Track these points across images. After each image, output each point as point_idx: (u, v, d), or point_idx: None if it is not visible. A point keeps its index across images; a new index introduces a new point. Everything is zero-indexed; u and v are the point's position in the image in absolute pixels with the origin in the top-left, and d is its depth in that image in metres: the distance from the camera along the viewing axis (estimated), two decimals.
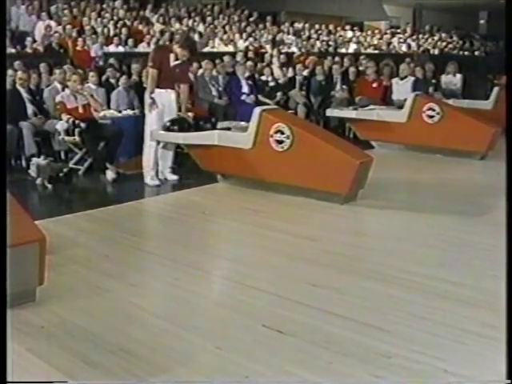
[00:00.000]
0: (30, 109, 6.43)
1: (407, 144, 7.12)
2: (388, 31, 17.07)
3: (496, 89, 8.35)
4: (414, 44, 15.90)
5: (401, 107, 7.26)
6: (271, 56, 10.35)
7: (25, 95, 6.46)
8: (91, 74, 7.06)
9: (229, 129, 5.49)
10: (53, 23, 10.66)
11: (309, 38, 13.87)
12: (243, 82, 8.08)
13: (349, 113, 7.56)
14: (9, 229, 2.59)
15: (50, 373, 2.29)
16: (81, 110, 6.06)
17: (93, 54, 9.78)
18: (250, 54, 10.56)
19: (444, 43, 17.09)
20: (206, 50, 11.16)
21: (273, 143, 5.04)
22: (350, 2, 17.00)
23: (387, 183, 5.49)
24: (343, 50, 13.61)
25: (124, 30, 10.78)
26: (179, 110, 5.61)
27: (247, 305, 2.95)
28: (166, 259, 3.62)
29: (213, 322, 2.82)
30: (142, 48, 10.41)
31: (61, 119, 6.02)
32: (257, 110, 5.21)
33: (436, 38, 17.39)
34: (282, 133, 4.99)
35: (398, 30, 17.79)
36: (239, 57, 9.86)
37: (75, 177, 5.80)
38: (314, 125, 7.76)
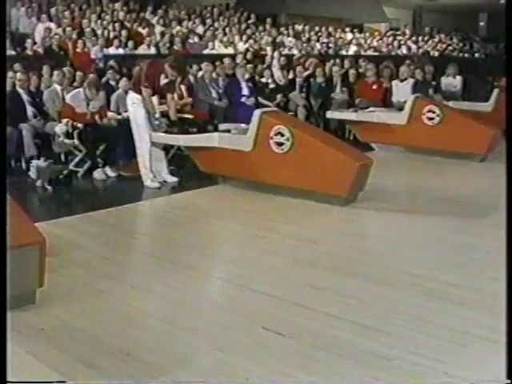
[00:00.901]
0: (29, 111, 6.43)
1: (407, 146, 7.13)
2: (388, 33, 17.09)
3: (496, 91, 8.36)
4: (413, 46, 15.91)
5: (401, 109, 7.28)
6: (271, 58, 10.36)
7: (24, 97, 6.46)
8: (91, 75, 7.05)
9: (229, 131, 5.49)
10: (53, 25, 10.66)
11: (309, 40, 13.88)
12: (243, 84, 8.09)
13: (349, 115, 7.57)
14: (9, 231, 2.60)
15: (49, 375, 2.29)
16: (88, 117, 6.05)
17: (93, 56, 9.78)
18: (250, 56, 10.56)
19: (444, 45, 17.10)
20: (206, 52, 11.17)
21: (273, 145, 5.05)
22: (350, 4, 17.02)
23: (387, 185, 5.50)
24: (343, 52, 13.62)
25: (124, 32, 10.78)
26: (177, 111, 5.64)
27: (247, 307, 2.96)
28: (167, 261, 3.63)
29: (213, 325, 2.82)
30: (142, 50, 10.42)
31: (60, 122, 6.02)
32: (257, 112, 5.22)
33: (436, 39, 17.40)
34: (282, 135, 4.99)
35: (398, 32, 17.79)
36: (239, 59, 9.87)
37: (75, 179, 5.81)
38: (314, 127, 7.76)
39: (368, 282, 3.26)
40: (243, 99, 7.96)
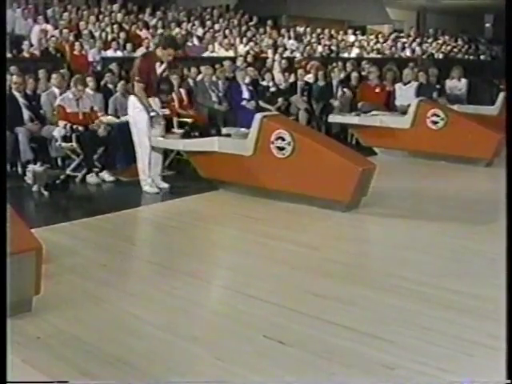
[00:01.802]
0: (26, 114, 6.45)
1: (411, 150, 7.15)
2: (391, 35, 17.13)
3: (502, 94, 8.38)
4: (417, 48, 15.95)
5: (404, 113, 7.30)
6: (272, 61, 10.40)
7: (21, 100, 6.48)
8: (88, 78, 7.10)
9: (229, 135, 5.52)
10: (49, 27, 10.70)
11: (310, 42, 13.93)
12: (243, 88, 8.12)
13: (351, 119, 7.60)
14: None
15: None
16: (81, 117, 6.10)
17: (90, 59, 9.81)
18: (251, 59, 10.60)
19: (448, 47, 17.13)
20: (206, 54, 11.21)
21: (274, 150, 5.07)
22: (353, 6, 17.04)
23: (390, 190, 5.52)
24: (345, 55, 13.66)
25: (122, 35, 10.83)
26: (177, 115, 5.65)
27: (247, 315, 2.97)
28: (165, 268, 3.64)
29: (212, 333, 2.83)
30: (140, 53, 10.45)
31: (58, 125, 6.05)
32: (257, 116, 5.24)
33: (440, 41, 17.43)
34: (283, 139, 5.02)
35: (402, 34, 17.84)
36: (239, 62, 9.90)
37: (72, 184, 5.83)
38: (316, 131, 7.79)
39: (370, 289, 3.27)
40: (243, 103, 8.00)
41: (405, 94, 8.05)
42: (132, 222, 4.86)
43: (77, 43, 9.91)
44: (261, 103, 8.34)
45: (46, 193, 5.44)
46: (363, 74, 9.88)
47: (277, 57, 10.85)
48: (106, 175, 6.01)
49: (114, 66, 8.39)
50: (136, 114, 5.45)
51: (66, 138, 6.00)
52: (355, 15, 17.49)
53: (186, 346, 2.65)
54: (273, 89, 8.95)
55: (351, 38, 15.53)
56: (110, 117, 6.70)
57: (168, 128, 5.97)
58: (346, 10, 17.06)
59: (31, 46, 9.75)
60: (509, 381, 2.10)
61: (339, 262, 3.74)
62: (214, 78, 8.27)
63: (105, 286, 3.31)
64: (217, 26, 13.11)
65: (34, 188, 5.49)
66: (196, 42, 11.80)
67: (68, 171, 6.03)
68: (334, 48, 13.93)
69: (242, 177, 5.29)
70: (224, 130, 5.77)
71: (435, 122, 6.97)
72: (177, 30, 12.01)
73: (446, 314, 2.95)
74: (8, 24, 10.56)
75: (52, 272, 3.27)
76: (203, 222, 4.72)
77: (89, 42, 10.20)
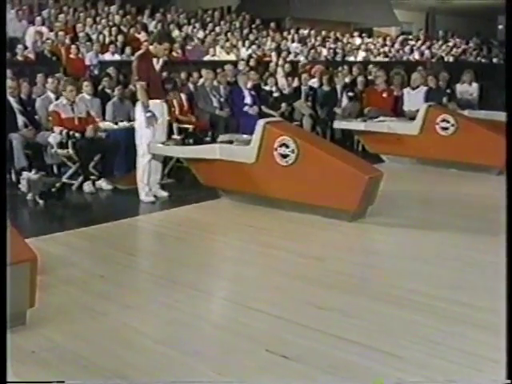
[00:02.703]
0: (20, 120, 6.50)
1: (419, 158, 7.17)
2: (399, 37, 17.18)
3: None
4: (426, 51, 15.99)
5: (412, 119, 7.33)
6: (276, 65, 10.45)
7: (15, 105, 6.53)
8: (85, 83, 7.12)
9: (231, 142, 5.55)
10: (44, 29, 10.76)
11: (315, 45, 14.00)
12: (246, 93, 8.17)
13: (357, 125, 7.63)
14: None
15: None
16: (76, 122, 6.15)
17: (87, 63, 9.88)
18: (253, 63, 10.66)
19: (459, 50, 17.16)
20: (207, 58, 11.28)
21: (277, 157, 5.10)
22: (359, 7, 17.08)
23: (398, 199, 5.54)
24: (351, 58, 13.72)
25: (120, 37, 10.90)
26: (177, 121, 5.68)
27: (250, 328, 2.98)
28: (164, 279, 3.66)
29: (213, 347, 2.85)
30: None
31: (53, 131, 6.09)
32: (260, 122, 5.28)
33: (450, 44, 17.46)
34: (287, 146, 5.05)
35: (410, 37, 17.88)
36: (241, 66, 9.96)
37: (68, 192, 5.86)
38: (321, 138, 7.83)
39: (377, 301, 3.29)
40: (246, 108, 8.04)
41: (413, 99, 8.08)
42: (130, 231, 4.88)
43: (73, 46, 9.98)
44: (263, 109, 8.39)
45: (41, 201, 5.47)
46: (370, 78, 9.93)
47: (280, 61, 10.91)
48: (104, 183, 6.05)
49: (111, 70, 8.44)
50: (142, 118, 5.45)
51: (61, 145, 6.04)
52: (361, 17, 17.53)
53: (186, 361, 2.66)
54: (276, 94, 8.99)
55: (357, 41, 15.60)
56: (107, 123, 6.74)
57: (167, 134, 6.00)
58: (352, 12, 17.10)
59: (25, 48, 9.81)
60: (509, 381, 2.15)
61: (344, 273, 3.76)
62: (215, 83, 8.32)
63: (102, 298, 3.33)
64: (218, 29, 13.19)
65: (29, 196, 5.53)
66: (196, 45, 11.85)
67: (64, 179, 6.06)
68: (339, 51, 13.99)
69: (244, 185, 5.32)
70: (225, 137, 5.80)
71: (445, 128, 7.00)
72: (176, 32, 12.09)
73: (455, 328, 2.96)
74: None
75: (47, 284, 3.29)
76: (204, 231, 4.75)
77: (86, 45, 10.27)
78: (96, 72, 9.49)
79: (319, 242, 4.47)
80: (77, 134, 5.98)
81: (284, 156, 5.07)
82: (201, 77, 8.55)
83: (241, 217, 5.07)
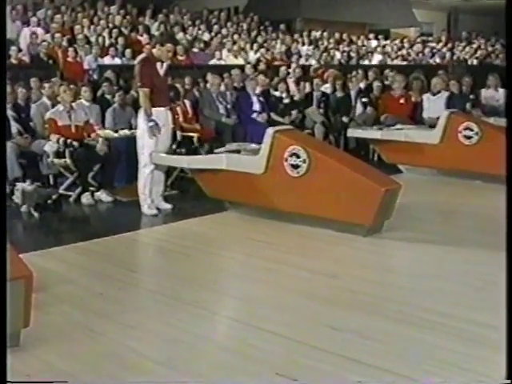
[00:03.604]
0: (14, 127, 6.55)
1: (440, 168, 7.17)
2: (418, 39, 17.20)
3: None
4: (448, 53, 15.95)
5: (433, 127, 7.33)
6: (286, 69, 10.51)
7: (9, 112, 6.58)
8: (84, 88, 7.20)
9: (238, 151, 5.59)
10: (40, 30, 10.87)
11: (327, 48, 14.07)
12: (254, 99, 8.22)
13: (373, 133, 7.66)
14: None
15: None
16: (73, 130, 6.22)
17: (86, 67, 9.98)
18: (262, 67, 10.73)
19: (484, 52, 17.12)
20: (213, 62, 11.37)
21: (287, 168, 5.13)
22: (375, 7, 17.09)
23: (417, 213, 5.55)
24: (366, 62, 13.79)
25: (121, 40, 11.00)
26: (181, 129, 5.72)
27: (258, 350, 3.00)
28: (167, 297, 3.69)
29: (220, 369, 2.86)
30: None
31: (49, 140, 6.16)
32: (269, 131, 5.32)
33: (474, 46, 17.44)
34: (298, 156, 5.08)
35: (430, 38, 17.90)
36: (249, 70, 10.03)
37: (65, 204, 5.91)
38: (334, 147, 7.86)
39: (394, 322, 3.30)
40: (254, 115, 8.10)
41: (433, 106, 8.07)
42: (131, 246, 4.92)
43: (70, 49, 10.08)
44: (273, 116, 8.43)
45: (36, 214, 5.52)
46: (386, 83, 9.97)
47: (292, 65, 10.98)
48: (103, 195, 6.10)
49: (111, 75, 8.53)
50: (144, 127, 5.49)
51: (58, 154, 6.10)
52: (377, 18, 17.52)
53: None
54: (286, 100, 9.04)
55: (373, 43, 15.66)
56: (107, 131, 6.80)
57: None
58: (367, 12, 17.11)
59: (20, 51, 9.91)
60: (509, 381, 2.21)
61: (359, 291, 3.78)
62: (221, 88, 8.38)
63: (101, 317, 3.37)
64: (224, 31, 13.30)
65: (23, 208, 5.58)
66: (202, 48, 11.94)
67: (61, 190, 6.13)
68: (353, 55, 14.06)
69: (252, 197, 5.36)
70: (232, 146, 5.85)
71: (468, 137, 6.98)
72: (180, 34, 12.19)
73: (477, 351, 2.96)
74: None
75: (43, 302, 3.33)
76: (209, 246, 4.78)
77: (84, 48, 10.37)
78: (95, 76, 9.59)
79: (332, 259, 4.49)
80: (74, 143, 6.04)
81: (295, 166, 5.10)
82: (206, 82, 8.63)
83: (249, 231, 5.10)
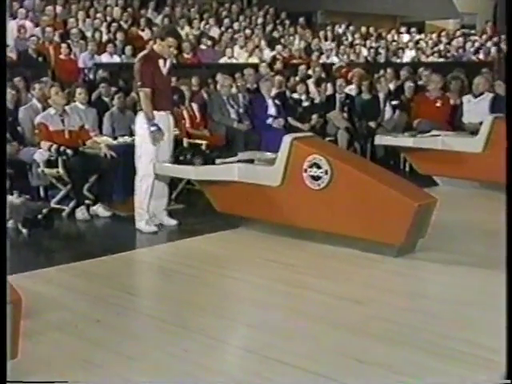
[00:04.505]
0: None
1: (483, 181, 7.14)
2: (458, 32, 17.12)
3: None
4: (493, 49, 15.83)
5: (474, 133, 7.33)
6: (306, 69, 10.56)
7: None
8: (78, 90, 7.26)
9: (252, 161, 5.64)
10: (28, 23, 10.98)
11: (353, 44, 14.12)
12: (269, 102, 8.28)
13: (404, 140, 7.67)
14: None
15: None
16: (67, 136, 6.31)
17: (81, 65, 10.09)
18: (278, 66, 10.79)
19: None
20: (223, 60, 11.45)
21: (307, 180, 5.17)
22: None
23: (455, 231, 5.55)
24: (398, 60, 13.82)
25: (120, 35, 11.10)
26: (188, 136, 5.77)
27: None
28: (171, 325, 3.72)
29: None
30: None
31: (40, 147, 6.23)
32: (286, 138, 5.36)
33: None
34: (319, 166, 5.12)
35: (473, 31, 17.80)
36: (264, 69, 10.09)
37: (57, 219, 5.96)
38: (359, 156, 7.89)
39: (428, 354, 3.30)
40: (269, 121, 8.15)
41: (475, 109, 8.05)
42: (131, 267, 4.98)
43: (63, 45, 10.18)
44: (290, 121, 8.49)
45: (24, 230, 5.58)
46: (420, 83, 9.99)
47: (312, 63, 11.03)
48: (100, 209, 6.17)
49: (109, 74, 8.61)
50: (144, 132, 5.56)
51: (50, 163, 6.17)
52: (410, 9, 17.47)
53: None
54: (306, 103, 9.08)
55: (405, 38, 15.67)
56: (105, 137, 6.86)
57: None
58: (399, 3, 17.10)
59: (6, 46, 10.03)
60: (509, 381, 2.37)
61: (388, 319, 3.79)
62: (233, 90, 8.45)
63: (97, 346, 3.40)
64: (236, 25, 13.38)
65: (10, 224, 5.60)
66: (210, 44, 12.01)
67: (52, 204, 6.21)
68: (382, 51, 14.08)
69: (267, 212, 5.40)
70: (245, 155, 5.88)
71: None
72: (187, 29, 12.30)
73: None
74: None
75: (32, 330, 3.36)
76: (219, 267, 4.80)
77: (78, 44, 10.48)
78: (91, 76, 9.67)
79: (358, 282, 4.50)
80: (68, 151, 6.11)
81: (315, 178, 5.13)
82: (216, 83, 8.70)
83: (263, 250, 5.13)
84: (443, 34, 16.60)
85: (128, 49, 10.59)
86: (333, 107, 9.23)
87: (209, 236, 5.55)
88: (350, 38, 14.54)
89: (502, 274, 4.57)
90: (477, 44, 16.00)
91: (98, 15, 12.00)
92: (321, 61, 12.05)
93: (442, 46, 15.50)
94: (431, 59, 14.45)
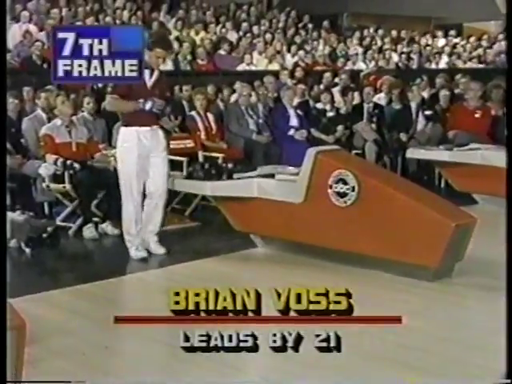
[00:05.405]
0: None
1: None
2: (501, 36, 17.00)
3: None
4: None
5: None
6: (331, 76, 10.56)
7: None
8: (86, 99, 7.37)
9: (272, 176, 5.66)
10: (32, 27, 11.09)
11: (382, 49, 14.11)
12: (291, 112, 8.32)
13: (439, 154, 7.67)
14: None
15: None
16: (74, 149, 6.38)
17: None
18: (300, 74, 10.80)
19: None
20: (241, 67, 11.50)
21: (332, 196, 5.19)
22: None
23: (496, 254, 5.51)
24: (432, 66, 13.78)
25: None
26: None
27: None
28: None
29: None
30: None
31: (45, 160, 6.30)
32: (310, 151, 5.40)
33: None
34: (345, 182, 5.13)
35: None
36: (285, 77, 10.12)
37: (63, 238, 6.03)
38: (389, 171, 7.88)
39: None
40: (291, 132, 8.19)
41: None
42: (142, 289, 4.99)
43: None
44: (314, 133, 8.51)
45: (27, 250, 5.64)
46: (457, 91, 9.98)
47: (338, 70, 11.03)
48: (109, 227, 6.22)
49: None
50: (123, 150, 5.49)
51: (56, 178, 6.24)
52: (446, 10, 17.23)
53: None
54: (330, 113, 9.06)
55: (441, 42, 15.58)
56: (114, 150, 6.91)
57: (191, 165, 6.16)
58: (433, 4, 16.96)
59: (8, 52, 10.13)
60: (509, 381, 2.58)
61: (422, 349, 3.78)
62: (252, 100, 8.48)
63: (106, 375, 3.42)
64: (255, 29, 13.43)
65: (12, 243, 5.67)
66: (228, 50, 12.06)
67: (58, 221, 6.27)
68: (414, 56, 14.05)
69: (290, 231, 5.41)
70: (265, 169, 5.90)
71: None
72: (202, 33, 12.36)
73: None
74: None
75: (36, 357, 3.40)
76: (236, 290, 4.81)
77: None
78: (99, 85, 9.75)
79: (390, 308, 4.49)
80: (75, 164, 6.17)
81: (341, 195, 5.15)
82: (233, 91, 8.75)
83: (285, 272, 5.12)
84: (484, 37, 16.45)
85: None
86: (360, 118, 9.23)
87: (226, 256, 5.59)
88: (379, 43, 14.49)
89: None
90: None
91: (107, 18, 12.08)
92: (347, 67, 12.06)
93: (481, 51, 15.39)
94: (469, 65, 14.38)
